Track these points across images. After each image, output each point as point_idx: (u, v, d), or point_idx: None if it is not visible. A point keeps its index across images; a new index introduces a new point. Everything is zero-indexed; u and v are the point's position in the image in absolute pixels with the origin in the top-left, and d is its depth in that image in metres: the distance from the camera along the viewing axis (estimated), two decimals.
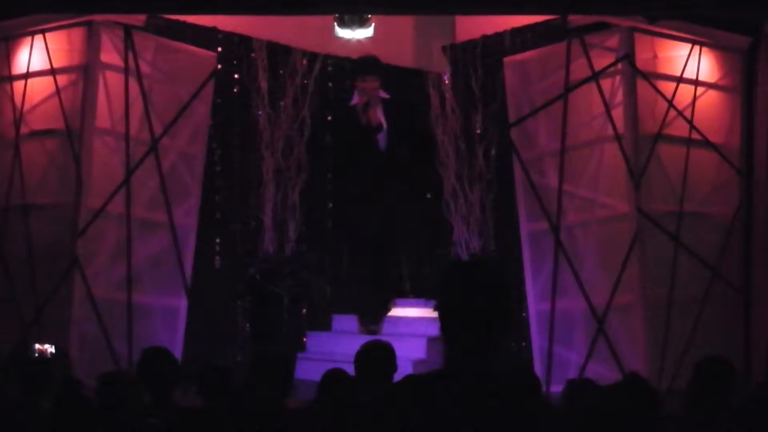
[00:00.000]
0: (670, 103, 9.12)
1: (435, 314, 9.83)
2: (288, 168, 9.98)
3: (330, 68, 10.37)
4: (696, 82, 9.28)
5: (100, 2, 8.85)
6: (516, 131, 9.57)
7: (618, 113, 8.97)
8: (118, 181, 9.13)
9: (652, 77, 9.07)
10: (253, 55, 9.96)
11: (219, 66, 9.80)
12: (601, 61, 9.06)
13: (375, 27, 9.41)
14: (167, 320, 9.35)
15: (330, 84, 10.41)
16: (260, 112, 9.94)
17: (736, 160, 9.39)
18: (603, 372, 8.50)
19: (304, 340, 10.02)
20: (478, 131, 9.89)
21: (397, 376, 5.56)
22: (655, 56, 9.15)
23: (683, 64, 9.22)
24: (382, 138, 9.67)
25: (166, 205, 9.36)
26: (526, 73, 9.56)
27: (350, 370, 5.95)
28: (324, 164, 10.34)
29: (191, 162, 9.61)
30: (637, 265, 8.81)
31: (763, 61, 9.30)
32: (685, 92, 9.23)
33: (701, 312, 9.04)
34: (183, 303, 9.45)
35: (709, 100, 9.36)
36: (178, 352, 8.78)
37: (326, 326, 10.13)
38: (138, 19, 9.25)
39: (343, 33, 9.47)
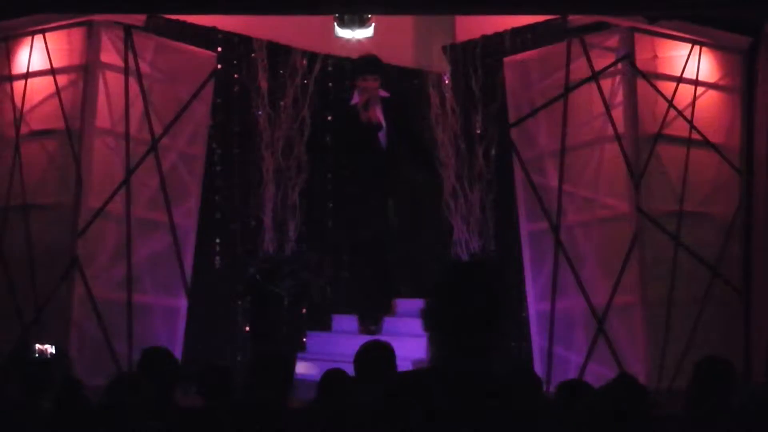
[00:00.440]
0: (670, 103, 9.11)
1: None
2: (288, 168, 9.98)
3: (330, 68, 10.37)
4: (696, 82, 9.28)
5: (100, 2, 8.85)
6: (516, 131, 9.57)
7: (618, 113, 8.97)
8: (118, 181, 9.13)
9: (652, 77, 9.07)
10: (253, 55, 9.95)
11: (219, 66, 9.80)
12: (601, 61, 9.06)
13: (375, 27, 9.40)
14: (167, 320, 9.35)
15: (330, 84, 10.40)
16: (260, 112, 9.94)
17: (736, 160, 9.38)
18: (603, 372, 8.50)
19: (304, 340, 10.02)
20: (478, 131, 9.89)
21: None
22: (655, 56, 9.15)
23: (683, 64, 9.22)
24: (382, 137, 9.67)
25: (166, 205, 9.36)
26: (526, 73, 9.56)
27: (350, 370, 5.95)
28: (324, 164, 10.34)
29: (191, 162, 9.61)
30: (637, 265, 8.81)
31: (763, 61, 9.30)
32: (685, 92, 9.22)
33: (701, 312, 9.04)
34: (183, 303, 9.45)
35: (709, 100, 9.36)
36: (178, 352, 8.78)
37: (326, 326, 10.13)
38: (138, 19, 9.25)
39: (343, 33, 9.47)
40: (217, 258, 9.86)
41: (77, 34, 9.18)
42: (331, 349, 9.63)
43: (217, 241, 9.87)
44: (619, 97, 8.98)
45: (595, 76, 9.07)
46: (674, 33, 9.19)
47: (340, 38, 9.53)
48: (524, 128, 9.53)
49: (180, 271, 9.42)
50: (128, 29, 9.19)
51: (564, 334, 9.15)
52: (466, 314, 3.23)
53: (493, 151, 9.84)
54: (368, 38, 9.50)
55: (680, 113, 9.15)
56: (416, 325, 9.72)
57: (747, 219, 9.37)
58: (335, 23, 9.44)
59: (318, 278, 9.92)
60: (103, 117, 9.09)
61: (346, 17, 9.37)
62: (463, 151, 9.90)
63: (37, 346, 7.41)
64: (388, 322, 9.82)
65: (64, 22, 9.17)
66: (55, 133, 9.15)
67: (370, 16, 9.41)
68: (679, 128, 9.15)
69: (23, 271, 9.07)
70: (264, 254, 9.85)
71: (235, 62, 9.95)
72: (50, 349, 7.32)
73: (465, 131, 9.94)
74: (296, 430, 5.55)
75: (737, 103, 9.46)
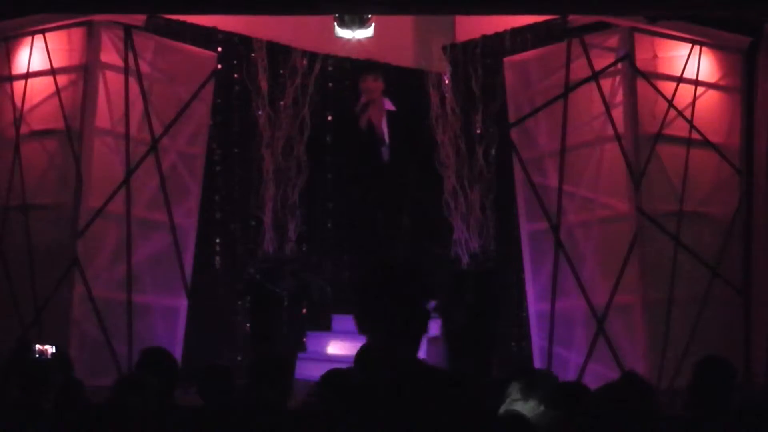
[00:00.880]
0: (670, 103, 9.11)
1: (435, 314, 9.90)
2: (288, 168, 9.98)
3: (330, 68, 10.38)
4: (696, 82, 9.28)
5: (100, 2, 8.85)
6: (516, 131, 9.57)
7: (618, 113, 8.96)
8: (118, 181, 9.13)
9: (652, 77, 9.07)
10: (253, 55, 9.95)
11: (219, 66, 9.80)
12: (601, 61, 9.05)
13: (375, 27, 9.40)
14: (167, 320, 9.35)
15: (330, 84, 10.41)
16: (260, 112, 9.94)
17: (736, 160, 9.39)
18: (603, 372, 8.51)
19: (304, 340, 10.02)
20: (478, 131, 9.89)
21: None
22: (655, 56, 9.15)
23: (683, 64, 9.22)
24: (385, 152, 9.70)
25: (166, 205, 9.37)
26: (526, 73, 9.56)
27: None
28: (324, 164, 10.34)
29: (191, 162, 9.61)
30: (637, 265, 8.81)
31: (763, 61, 9.30)
32: (685, 92, 9.22)
33: (701, 312, 9.04)
34: (183, 303, 9.45)
35: (709, 100, 9.36)
36: (178, 352, 8.79)
37: (326, 326, 10.13)
38: (138, 19, 9.25)
39: (343, 33, 9.47)
40: (217, 258, 9.86)
41: (77, 34, 9.18)
42: (331, 349, 9.63)
43: (217, 241, 9.87)
44: (619, 97, 8.98)
45: (595, 76, 9.07)
46: (674, 33, 9.19)
47: (340, 38, 9.53)
48: (524, 128, 9.53)
49: (180, 271, 9.42)
50: (128, 29, 9.19)
51: (564, 334, 9.15)
52: (387, 316, 3.23)
53: (493, 151, 9.83)
54: (368, 38, 9.50)
55: (680, 113, 9.16)
56: None
57: (747, 219, 9.37)
58: (335, 23, 9.43)
59: (318, 278, 9.92)
60: (103, 117, 9.09)
61: (346, 17, 9.37)
62: (463, 151, 9.90)
63: (37, 346, 7.40)
64: None
65: (64, 22, 9.17)
66: (55, 133, 9.16)
67: (370, 16, 9.41)
68: (679, 128, 9.15)
69: (23, 271, 9.08)
70: (264, 254, 9.85)
71: (235, 62, 9.95)
72: (50, 349, 7.31)
73: (465, 131, 9.94)
74: (296, 430, 5.55)
75: (737, 103, 9.46)
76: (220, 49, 9.83)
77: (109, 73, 9.14)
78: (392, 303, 3.24)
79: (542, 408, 5.60)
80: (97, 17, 9.03)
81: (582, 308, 9.02)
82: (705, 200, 9.25)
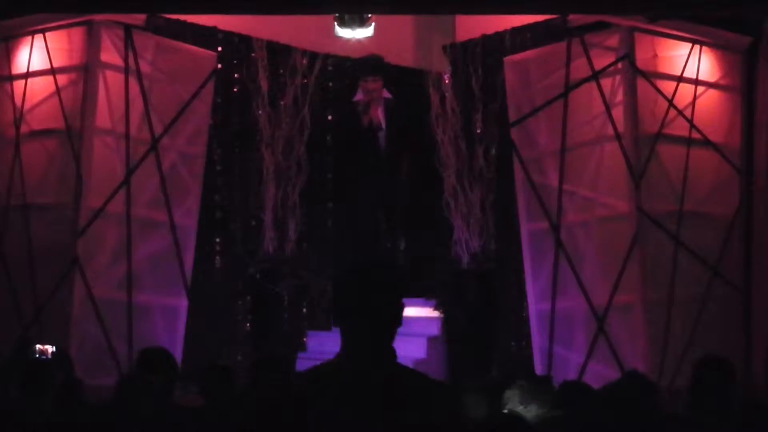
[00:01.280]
0: (671, 102, 9.11)
1: (435, 314, 9.91)
2: (288, 168, 9.98)
3: (330, 68, 10.38)
4: (696, 82, 9.27)
5: (100, 2, 8.85)
6: (516, 131, 9.57)
7: (618, 113, 8.96)
8: (118, 181, 9.12)
9: (652, 77, 9.07)
10: (253, 54, 9.96)
11: (219, 66, 9.79)
12: (601, 60, 9.05)
13: (375, 27, 9.40)
14: (167, 320, 9.34)
15: (330, 84, 10.41)
16: (260, 112, 9.94)
17: (736, 160, 9.38)
18: (603, 371, 8.50)
19: (304, 340, 10.02)
20: (478, 131, 9.89)
21: None
22: (655, 56, 9.15)
23: (683, 63, 9.22)
24: (381, 137, 9.68)
25: (166, 205, 9.36)
26: (526, 72, 9.56)
27: None
28: (324, 164, 10.35)
29: (191, 162, 9.60)
30: (637, 265, 8.81)
31: (763, 61, 9.30)
32: (686, 92, 9.22)
33: (701, 312, 9.03)
34: (183, 303, 9.45)
35: (709, 99, 9.35)
36: (178, 352, 8.79)
37: (326, 326, 10.13)
38: (138, 18, 9.24)
39: (343, 33, 9.47)
40: (217, 258, 9.86)
41: (77, 34, 9.18)
42: (331, 349, 9.60)
43: (217, 241, 9.86)
44: (619, 97, 8.98)
45: (595, 76, 9.06)
46: (674, 32, 9.18)
47: (340, 38, 9.53)
48: (524, 128, 9.53)
49: (180, 271, 9.42)
50: (128, 29, 9.18)
51: (564, 333, 9.14)
52: (363, 314, 3.25)
53: (493, 151, 9.84)
54: (368, 38, 9.50)
55: (680, 113, 9.15)
56: (416, 325, 9.74)
57: (747, 219, 9.37)
58: (335, 23, 9.44)
59: (318, 278, 9.92)
60: (103, 117, 9.08)
61: (346, 17, 9.37)
62: (463, 150, 9.91)
63: (37, 346, 7.40)
64: None
65: (64, 22, 9.16)
66: (55, 133, 9.15)
67: (370, 15, 9.41)
68: (679, 128, 9.15)
69: (23, 271, 9.07)
70: (264, 254, 9.85)
71: (235, 62, 9.95)
72: (50, 349, 7.31)
73: (465, 131, 9.94)
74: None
75: (737, 103, 9.46)
76: (220, 48, 9.83)
77: (109, 73, 9.13)
78: (362, 299, 3.25)
79: (543, 410, 5.61)
80: (97, 17, 9.03)
81: (582, 308, 9.01)
82: (705, 200, 9.25)
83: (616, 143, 8.94)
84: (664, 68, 9.19)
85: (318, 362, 3.45)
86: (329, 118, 10.32)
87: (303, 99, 10.07)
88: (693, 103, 9.22)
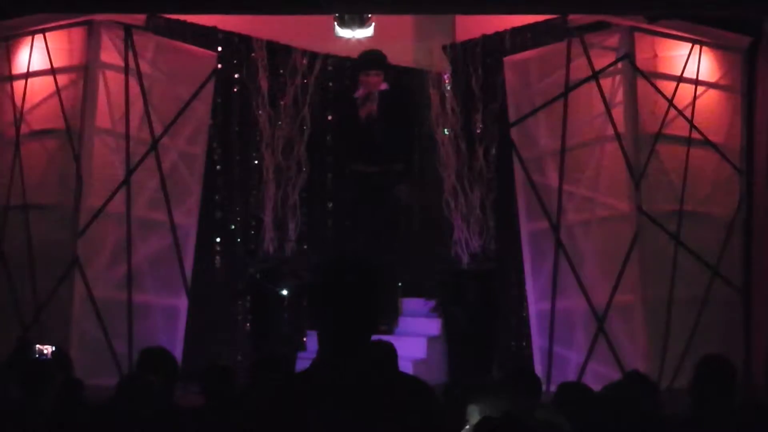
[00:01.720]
0: (671, 102, 9.11)
1: (435, 314, 9.91)
2: (288, 168, 9.98)
3: (330, 68, 10.37)
4: (696, 82, 9.27)
5: (100, 2, 8.85)
6: (516, 131, 9.57)
7: (618, 113, 8.96)
8: (118, 181, 9.12)
9: (652, 77, 9.07)
10: (253, 54, 9.95)
11: (219, 65, 9.79)
12: (601, 60, 9.05)
13: (375, 27, 9.41)
14: (167, 320, 9.34)
15: (330, 83, 10.40)
16: (260, 112, 9.94)
17: (737, 160, 9.38)
18: (603, 372, 8.50)
19: (304, 339, 10.02)
20: (478, 131, 9.89)
21: None
22: (656, 55, 9.15)
23: (683, 63, 9.22)
24: (378, 128, 9.69)
25: (166, 205, 9.36)
26: (526, 72, 9.56)
27: None
28: (324, 164, 10.34)
29: (191, 162, 9.60)
30: (637, 265, 8.81)
31: (763, 61, 9.30)
32: (686, 92, 9.22)
33: (701, 312, 9.04)
34: (183, 303, 9.44)
35: (709, 99, 9.35)
36: (178, 352, 8.78)
37: None
38: (138, 18, 9.24)
39: (343, 33, 9.47)
40: (217, 258, 9.85)
41: (77, 34, 9.18)
42: None
43: (217, 241, 9.86)
44: (619, 97, 8.98)
45: (595, 76, 9.06)
46: (674, 32, 9.19)
47: (340, 38, 9.53)
48: (524, 128, 9.53)
49: (180, 271, 9.42)
50: (128, 29, 9.18)
51: (564, 333, 9.14)
52: (338, 314, 3.21)
53: (493, 151, 9.84)
54: (368, 38, 9.51)
55: (680, 112, 9.15)
56: (416, 325, 9.74)
57: (747, 218, 9.37)
58: (335, 23, 9.44)
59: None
60: (103, 117, 9.08)
61: (346, 17, 9.37)
62: (463, 150, 9.91)
63: (37, 346, 7.40)
64: None
65: (64, 22, 9.16)
66: (55, 133, 9.15)
67: (370, 15, 9.41)
68: (680, 127, 9.15)
69: (23, 271, 9.08)
70: (264, 254, 9.85)
71: (235, 62, 9.94)
72: (50, 348, 7.31)
73: (465, 131, 9.94)
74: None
75: (737, 103, 9.46)
76: (220, 48, 9.82)
77: (110, 73, 9.13)
78: (330, 300, 3.22)
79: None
80: (97, 17, 9.03)
81: (582, 308, 9.02)
82: (705, 200, 9.25)
83: (616, 143, 8.94)
84: (664, 68, 9.19)
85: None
86: (329, 118, 10.32)
87: (303, 99, 10.07)
88: (693, 103, 9.22)
